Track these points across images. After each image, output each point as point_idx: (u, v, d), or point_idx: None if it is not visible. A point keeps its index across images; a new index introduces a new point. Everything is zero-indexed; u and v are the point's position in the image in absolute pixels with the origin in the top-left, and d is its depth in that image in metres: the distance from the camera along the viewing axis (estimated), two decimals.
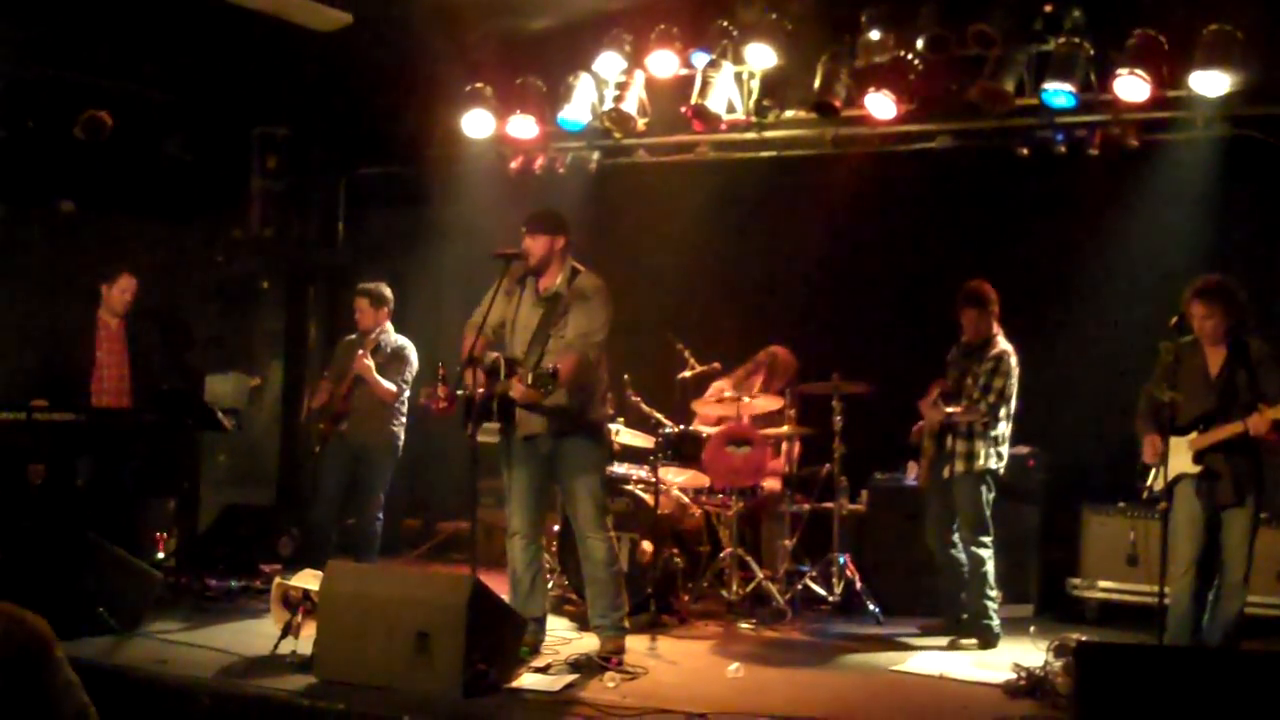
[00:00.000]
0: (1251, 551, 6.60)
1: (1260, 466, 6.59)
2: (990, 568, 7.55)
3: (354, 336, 8.78)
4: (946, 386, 7.64)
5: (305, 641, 6.44)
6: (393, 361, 8.61)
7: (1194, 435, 6.59)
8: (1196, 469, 6.58)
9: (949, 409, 7.51)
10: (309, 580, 6.66)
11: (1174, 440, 6.65)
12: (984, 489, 7.54)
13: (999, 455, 7.58)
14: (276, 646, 6.55)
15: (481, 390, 6.63)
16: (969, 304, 7.67)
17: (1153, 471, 6.82)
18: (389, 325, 8.73)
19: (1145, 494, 6.92)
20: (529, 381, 6.30)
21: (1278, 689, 4.90)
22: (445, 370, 6.85)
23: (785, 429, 8.71)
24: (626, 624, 6.97)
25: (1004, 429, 7.60)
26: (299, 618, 6.58)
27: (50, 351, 8.76)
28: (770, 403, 8.76)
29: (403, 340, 8.72)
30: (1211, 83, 7.73)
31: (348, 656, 6.07)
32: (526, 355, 6.72)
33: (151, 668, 6.34)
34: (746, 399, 8.58)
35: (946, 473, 7.58)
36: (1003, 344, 7.64)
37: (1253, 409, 6.41)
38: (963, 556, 7.62)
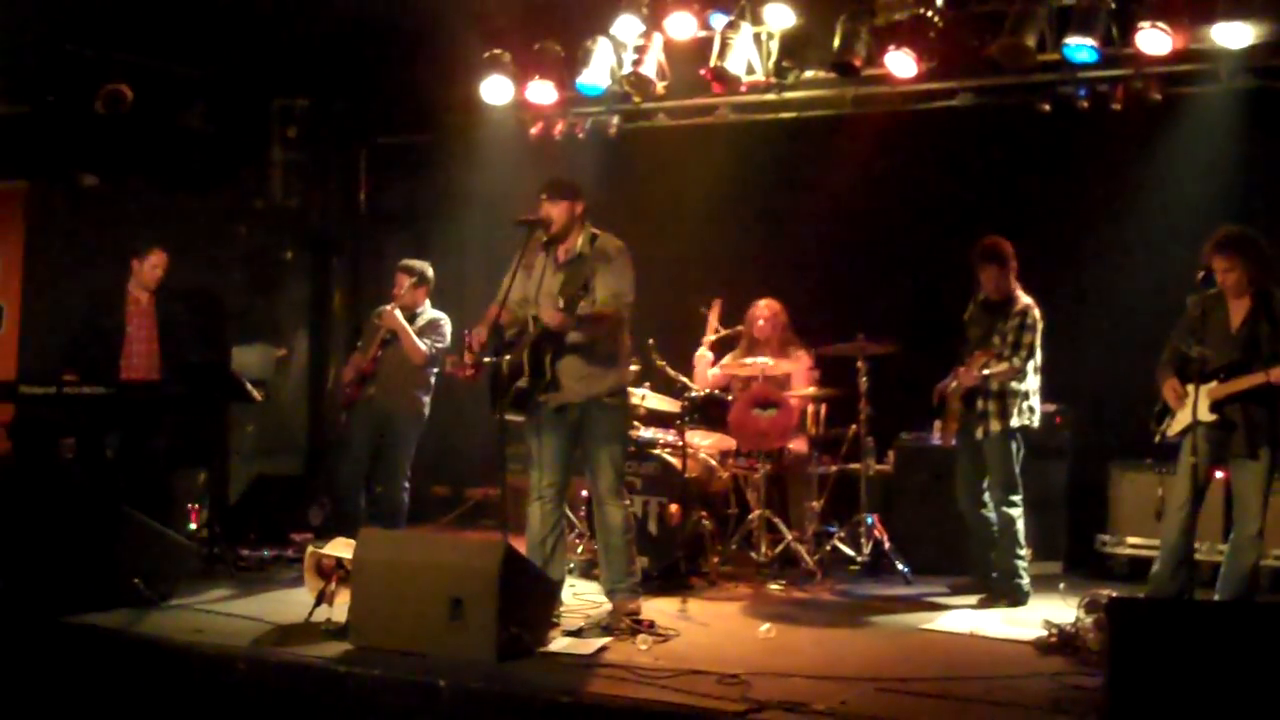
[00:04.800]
0: (1266, 505, 6.60)
1: (1277, 420, 6.56)
2: (1020, 526, 7.55)
3: (386, 307, 8.77)
4: (991, 354, 7.53)
5: (339, 609, 6.49)
6: (425, 331, 8.60)
7: (1214, 384, 6.57)
8: (1212, 418, 6.56)
9: (986, 372, 7.47)
10: (342, 549, 6.71)
11: (1190, 388, 6.65)
12: (1015, 447, 7.53)
13: (1031, 410, 7.56)
14: (311, 614, 6.59)
15: (507, 359, 6.68)
16: (988, 261, 7.62)
17: (1165, 417, 6.83)
18: (427, 303, 8.72)
19: (1158, 438, 6.93)
20: (560, 305, 6.39)
21: None
22: (471, 338, 6.88)
23: (811, 390, 8.72)
24: (639, 586, 7.02)
25: (1034, 383, 7.58)
26: (333, 585, 6.63)
27: (80, 326, 8.79)
28: (792, 364, 8.77)
29: (439, 313, 8.72)
30: (1234, 34, 7.69)
31: (382, 623, 6.12)
32: None
33: (188, 637, 6.39)
34: (770, 361, 8.57)
35: (980, 434, 7.55)
36: (1025, 298, 7.60)
37: (1276, 361, 6.40)
38: (993, 516, 7.62)
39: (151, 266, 8.61)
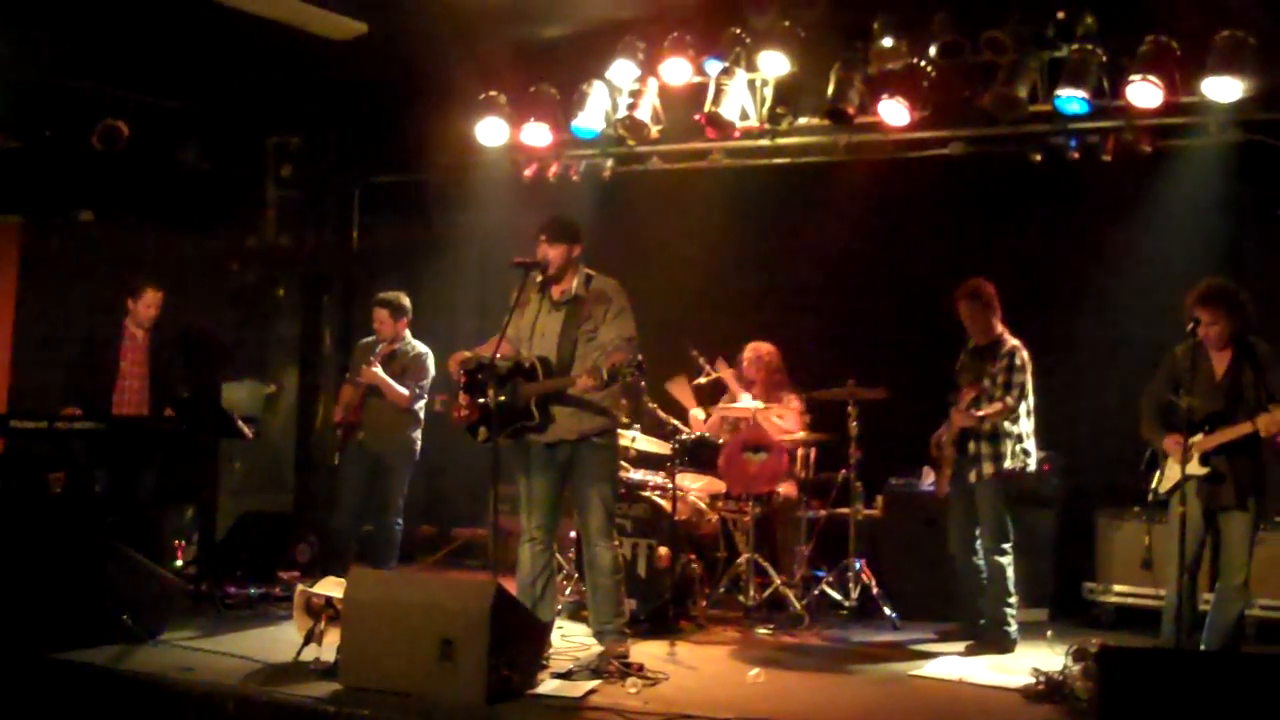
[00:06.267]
0: (1251, 555, 6.63)
1: (1262, 470, 6.61)
2: (1010, 574, 7.57)
3: (371, 339, 8.83)
4: (981, 390, 7.59)
5: (328, 648, 6.49)
6: (411, 368, 8.65)
7: (1200, 436, 6.59)
8: (1203, 471, 6.58)
9: (979, 413, 7.50)
10: (332, 587, 6.70)
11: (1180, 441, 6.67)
12: (1006, 494, 7.57)
13: (1025, 453, 7.60)
14: (300, 653, 6.59)
15: (502, 398, 6.69)
16: (964, 298, 7.69)
17: (1156, 474, 6.85)
18: (408, 333, 8.77)
19: (1150, 496, 6.94)
20: (605, 375, 6.39)
21: None
22: (466, 371, 6.91)
23: (801, 435, 8.74)
24: (627, 629, 7.02)
25: (1026, 426, 7.62)
26: (322, 625, 6.62)
27: (73, 361, 8.80)
28: (782, 407, 8.80)
29: (422, 348, 8.77)
30: (1224, 88, 7.76)
31: (372, 663, 6.11)
32: (558, 358, 6.79)
33: (176, 675, 6.38)
34: (760, 404, 8.60)
35: (973, 477, 7.58)
36: (1012, 340, 7.66)
37: (1260, 410, 6.45)
38: (983, 563, 7.65)
39: (146, 305, 8.67)
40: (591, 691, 6.27)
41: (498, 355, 6.76)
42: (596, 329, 6.80)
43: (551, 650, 6.90)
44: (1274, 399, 6.46)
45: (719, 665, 7.19)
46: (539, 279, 6.91)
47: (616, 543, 7.08)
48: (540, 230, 6.89)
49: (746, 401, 8.79)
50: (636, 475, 8.56)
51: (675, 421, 8.76)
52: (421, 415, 8.76)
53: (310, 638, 6.61)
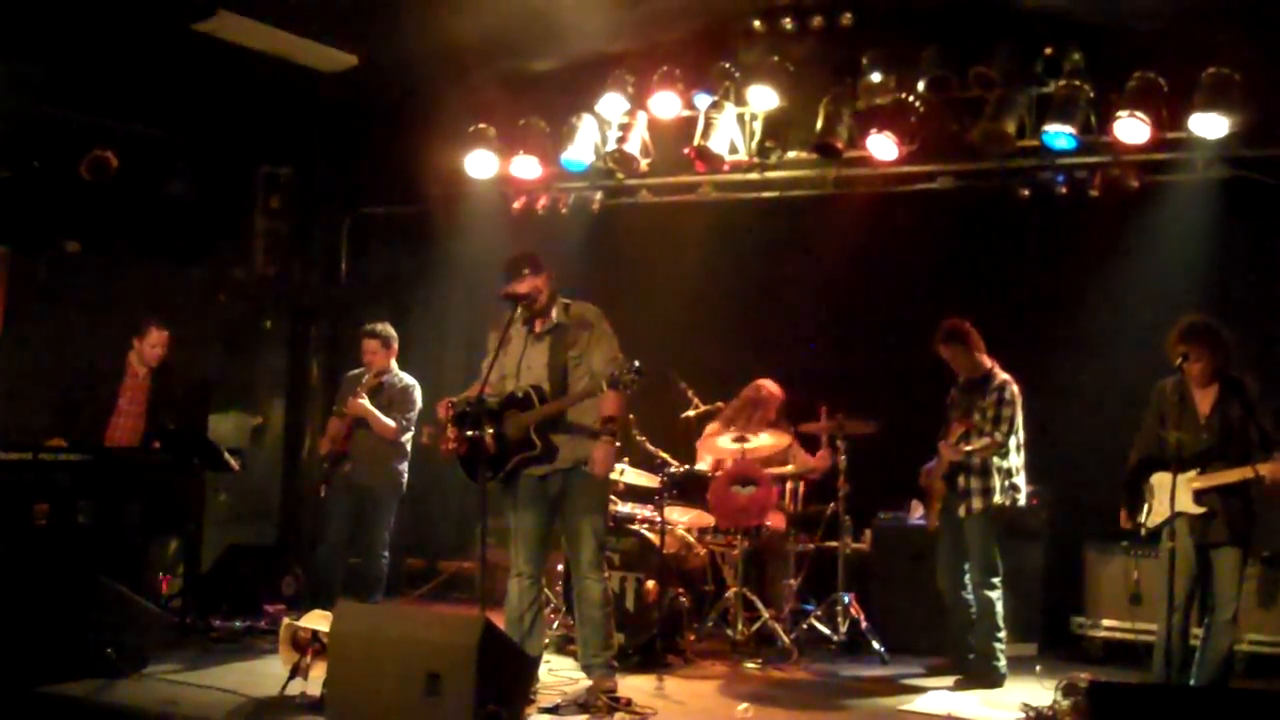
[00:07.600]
0: (1240, 590, 6.64)
1: (1252, 506, 6.63)
2: (999, 609, 7.55)
3: (358, 371, 8.81)
4: (970, 424, 7.60)
5: (314, 682, 6.44)
6: (398, 400, 8.64)
7: (1193, 474, 6.60)
8: (1199, 510, 6.59)
9: (967, 448, 7.51)
10: (318, 621, 6.65)
11: (1167, 477, 6.66)
12: (995, 529, 7.56)
13: (1014, 488, 7.58)
14: (285, 687, 6.54)
15: (490, 434, 6.67)
16: (945, 342, 7.68)
17: (1145, 508, 6.85)
18: (394, 365, 8.77)
19: (1142, 531, 6.94)
20: (604, 385, 6.46)
21: None
22: (455, 411, 6.87)
23: (790, 468, 8.73)
24: (615, 663, 6.99)
25: (1016, 461, 7.61)
26: (308, 659, 6.58)
27: (64, 393, 8.77)
28: (775, 441, 8.79)
29: (409, 380, 8.76)
30: (1210, 124, 7.83)
31: (358, 698, 6.06)
32: (550, 387, 6.78)
33: (161, 709, 6.33)
34: (751, 439, 8.59)
35: (962, 511, 7.56)
36: (1002, 375, 7.66)
37: (1259, 453, 6.45)
38: (972, 597, 7.63)
39: (151, 345, 8.71)
40: None
41: (486, 393, 6.74)
42: (582, 354, 6.81)
43: (539, 685, 6.87)
44: (1275, 444, 6.46)
45: (707, 700, 7.15)
46: (525, 313, 6.88)
47: (605, 575, 7.05)
48: (516, 267, 6.79)
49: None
50: (625, 508, 8.52)
51: (664, 454, 8.73)
52: (409, 447, 8.73)
53: (296, 672, 6.56)
